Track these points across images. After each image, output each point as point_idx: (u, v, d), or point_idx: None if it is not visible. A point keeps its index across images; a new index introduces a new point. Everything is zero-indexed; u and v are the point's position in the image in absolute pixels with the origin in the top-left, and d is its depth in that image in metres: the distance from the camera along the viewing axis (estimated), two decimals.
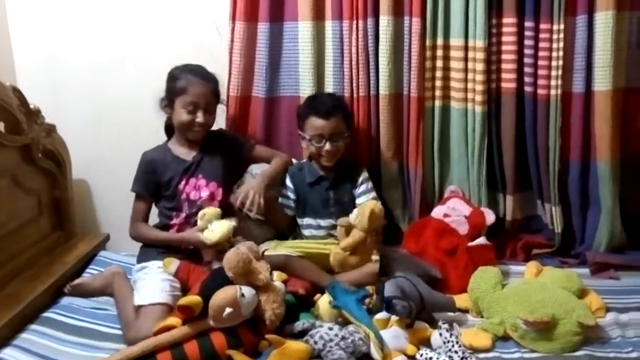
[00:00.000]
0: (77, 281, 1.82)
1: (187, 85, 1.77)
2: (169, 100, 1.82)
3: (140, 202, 1.84)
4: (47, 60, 2.18)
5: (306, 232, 1.96)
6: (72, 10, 2.14)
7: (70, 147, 2.09)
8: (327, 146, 1.87)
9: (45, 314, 1.65)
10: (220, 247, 1.69)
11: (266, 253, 1.77)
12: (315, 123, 1.88)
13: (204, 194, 1.81)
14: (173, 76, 1.82)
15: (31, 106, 1.83)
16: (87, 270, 1.95)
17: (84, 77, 2.18)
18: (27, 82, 2.12)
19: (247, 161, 1.97)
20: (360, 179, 1.96)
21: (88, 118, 2.21)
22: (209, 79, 1.82)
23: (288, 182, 1.97)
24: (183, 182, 1.81)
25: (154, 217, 1.90)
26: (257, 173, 1.90)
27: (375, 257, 1.80)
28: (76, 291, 1.79)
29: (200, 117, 1.79)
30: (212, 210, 1.73)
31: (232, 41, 2.02)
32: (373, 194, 1.97)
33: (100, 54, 2.16)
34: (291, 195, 1.96)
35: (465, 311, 1.67)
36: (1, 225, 1.73)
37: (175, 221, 1.80)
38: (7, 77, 1.99)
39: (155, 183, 1.82)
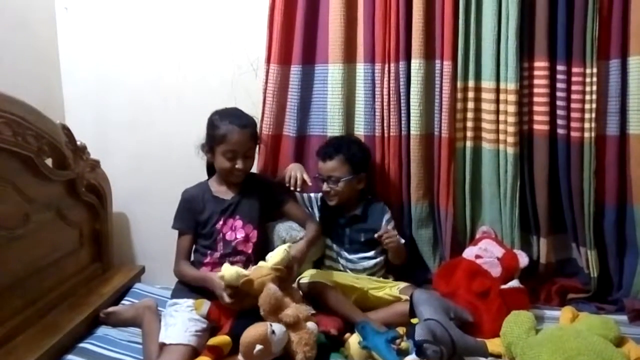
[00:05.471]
0: (110, 309, 1.90)
1: (226, 133, 1.80)
2: (209, 146, 1.87)
3: (182, 238, 1.87)
4: (94, 97, 2.30)
5: (326, 251, 2.03)
6: (118, 51, 2.27)
7: (111, 180, 2.17)
8: (324, 187, 1.96)
9: (82, 345, 1.70)
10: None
11: (301, 282, 1.80)
12: (318, 164, 1.99)
13: (240, 235, 1.83)
14: (213, 124, 1.85)
15: (78, 143, 1.93)
16: (122, 301, 2.01)
17: (127, 114, 2.29)
18: (75, 117, 2.24)
19: (278, 210, 1.98)
20: (384, 222, 2.01)
21: (129, 153, 2.31)
22: (247, 126, 1.84)
23: (317, 200, 2.05)
24: (220, 222, 1.84)
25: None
26: (284, 236, 1.92)
27: (404, 296, 1.81)
28: (108, 319, 1.87)
29: (239, 164, 1.82)
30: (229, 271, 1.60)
31: (266, 82, 2.10)
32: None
33: (144, 91, 2.27)
34: (315, 209, 2.06)
35: (498, 356, 1.64)
36: (44, 257, 1.80)
37: (208, 260, 1.82)
38: (56, 113, 2.11)
39: (195, 220, 1.86)
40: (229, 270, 1.58)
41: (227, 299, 1.59)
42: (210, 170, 1.97)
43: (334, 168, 1.94)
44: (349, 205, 2.01)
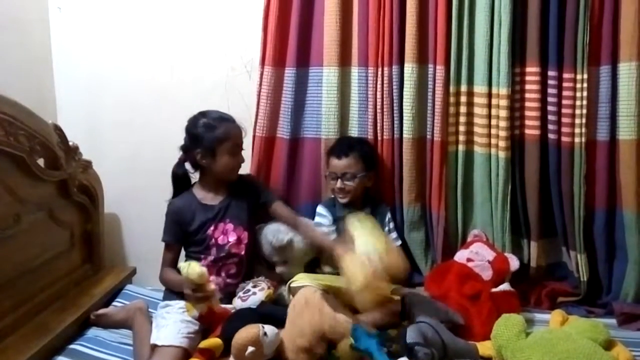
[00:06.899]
0: (101, 311, 1.89)
1: (227, 130, 1.84)
2: (210, 150, 1.83)
3: (169, 250, 1.87)
4: (87, 98, 2.29)
5: None
6: (111, 51, 2.26)
7: (103, 181, 2.16)
8: (339, 184, 2.00)
9: (72, 346, 1.70)
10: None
11: (292, 285, 1.80)
12: (332, 162, 2.03)
13: (232, 238, 1.85)
14: (209, 125, 1.84)
15: (70, 143, 1.92)
16: (113, 303, 2.00)
17: (120, 114, 2.28)
18: (67, 118, 2.23)
19: (265, 211, 1.98)
20: (387, 220, 2.07)
21: (122, 154, 2.30)
22: (235, 120, 1.91)
23: (324, 212, 2.07)
24: (212, 228, 1.84)
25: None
26: (270, 239, 1.92)
27: (396, 296, 1.82)
28: (99, 320, 1.86)
29: (242, 157, 1.90)
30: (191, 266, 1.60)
31: (260, 85, 2.10)
32: (395, 234, 2.07)
33: (137, 92, 2.27)
34: (327, 222, 2.05)
35: (489, 359, 1.65)
36: (35, 257, 1.79)
37: (202, 263, 1.80)
38: (49, 113, 2.10)
39: (183, 231, 1.86)
40: (191, 267, 1.56)
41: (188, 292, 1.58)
42: (178, 183, 1.92)
43: (350, 165, 1.99)
44: (356, 204, 2.05)
